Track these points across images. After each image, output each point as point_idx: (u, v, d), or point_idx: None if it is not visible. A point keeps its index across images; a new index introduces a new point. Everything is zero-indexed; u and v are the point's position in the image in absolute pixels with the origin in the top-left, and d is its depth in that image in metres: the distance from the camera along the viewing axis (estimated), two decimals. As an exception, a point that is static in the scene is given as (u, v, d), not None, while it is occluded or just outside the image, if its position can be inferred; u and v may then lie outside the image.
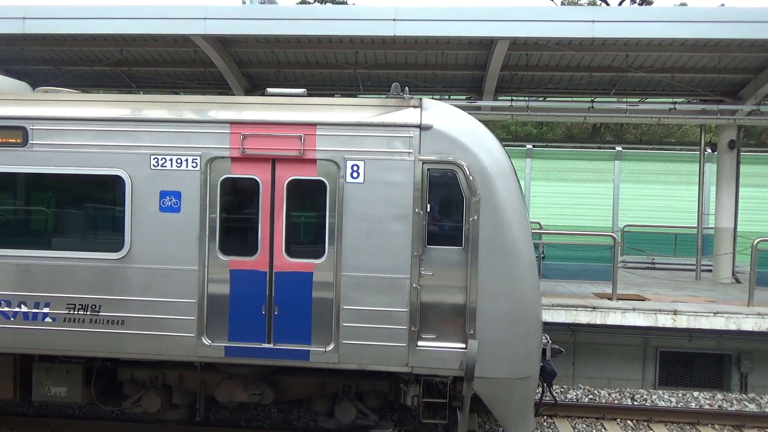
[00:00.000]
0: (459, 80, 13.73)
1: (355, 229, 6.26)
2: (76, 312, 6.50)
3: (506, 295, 6.23)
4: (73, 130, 6.51)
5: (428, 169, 6.29)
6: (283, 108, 6.52)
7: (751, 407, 9.44)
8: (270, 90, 6.89)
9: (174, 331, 6.41)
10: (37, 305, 6.52)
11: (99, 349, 6.54)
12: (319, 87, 14.10)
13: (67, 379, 6.94)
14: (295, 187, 6.40)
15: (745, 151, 17.66)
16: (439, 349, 6.26)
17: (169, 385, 7.08)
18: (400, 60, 12.81)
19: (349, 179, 6.28)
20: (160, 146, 6.44)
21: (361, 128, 6.32)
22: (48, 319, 6.53)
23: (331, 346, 6.31)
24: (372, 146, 6.30)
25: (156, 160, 6.42)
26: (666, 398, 9.57)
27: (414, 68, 13.05)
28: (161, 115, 6.51)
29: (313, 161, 6.34)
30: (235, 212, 6.53)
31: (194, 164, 6.38)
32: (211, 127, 6.43)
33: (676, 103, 12.91)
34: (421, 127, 6.27)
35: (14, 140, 6.53)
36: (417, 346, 6.24)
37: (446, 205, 6.49)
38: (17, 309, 6.53)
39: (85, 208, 6.69)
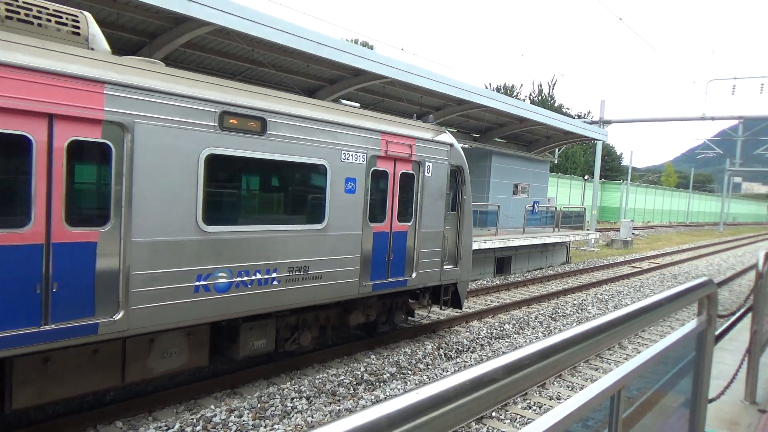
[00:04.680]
0: None
1: (426, 203, 10.19)
2: (294, 273, 7.90)
3: (469, 235, 11.50)
4: (296, 126, 7.79)
5: (450, 170, 10.79)
6: (402, 125, 9.77)
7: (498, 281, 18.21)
8: (344, 102, 9.29)
9: (348, 278, 8.78)
10: (269, 272, 7.54)
11: (305, 301, 8.16)
12: None
13: (267, 333, 8.09)
14: (402, 177, 9.76)
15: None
16: (449, 270, 11.02)
17: (310, 323, 8.98)
18: None
19: (426, 174, 10.18)
20: (347, 144, 8.61)
21: (432, 143, 10.30)
22: (275, 282, 7.66)
23: (413, 275, 10.12)
24: (434, 154, 10.36)
25: (344, 154, 8.57)
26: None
27: None
28: (350, 121, 8.67)
29: (410, 161, 9.89)
30: (376, 194, 9.29)
31: (362, 159, 8.88)
32: (372, 134, 9.06)
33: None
34: (451, 145, 10.81)
35: (255, 128, 7.29)
36: (443, 269, 10.80)
37: (454, 189, 11.16)
38: (254, 277, 7.38)
39: (301, 190, 8.16)
